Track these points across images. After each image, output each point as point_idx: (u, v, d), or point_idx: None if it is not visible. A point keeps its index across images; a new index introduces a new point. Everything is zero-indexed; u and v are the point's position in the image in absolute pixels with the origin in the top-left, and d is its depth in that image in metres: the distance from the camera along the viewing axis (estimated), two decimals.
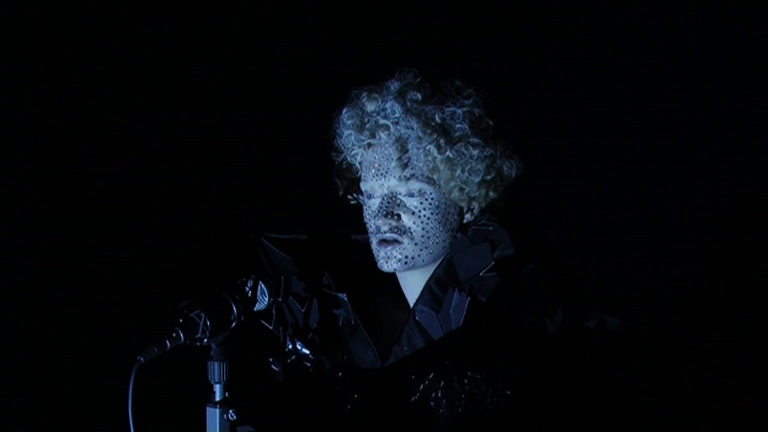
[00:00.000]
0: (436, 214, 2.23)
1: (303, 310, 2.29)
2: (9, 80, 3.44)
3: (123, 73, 3.51)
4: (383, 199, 2.24)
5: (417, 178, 2.22)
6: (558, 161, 3.35)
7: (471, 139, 2.21)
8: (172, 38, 3.51)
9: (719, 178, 3.47)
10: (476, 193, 2.24)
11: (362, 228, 2.31)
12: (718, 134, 3.46)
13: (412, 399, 2.13)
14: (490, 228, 2.22)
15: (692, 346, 3.46)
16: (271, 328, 2.30)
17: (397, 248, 2.22)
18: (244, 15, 3.54)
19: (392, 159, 2.22)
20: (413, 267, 2.24)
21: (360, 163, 2.30)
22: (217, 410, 1.99)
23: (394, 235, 2.22)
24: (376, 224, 2.24)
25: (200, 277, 2.24)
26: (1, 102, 3.44)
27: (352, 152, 2.28)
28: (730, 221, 3.50)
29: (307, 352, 2.28)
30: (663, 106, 3.48)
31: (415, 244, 2.22)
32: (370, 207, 2.27)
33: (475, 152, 2.21)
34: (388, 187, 2.24)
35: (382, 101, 2.24)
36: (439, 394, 2.11)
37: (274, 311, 2.27)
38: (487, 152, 2.22)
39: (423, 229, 2.22)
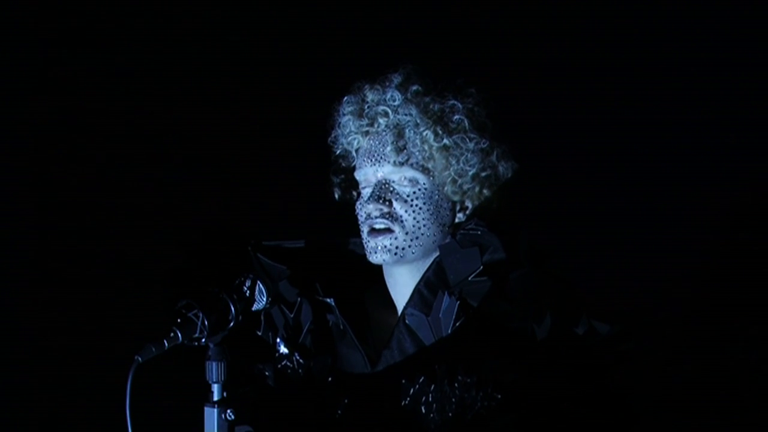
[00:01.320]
0: (429, 204, 2.24)
1: (292, 315, 2.29)
2: (9, 80, 3.45)
3: (119, 74, 3.51)
4: (376, 186, 2.24)
5: (411, 165, 2.23)
6: (552, 163, 3.34)
7: (468, 132, 2.23)
8: (169, 40, 3.52)
9: (716, 177, 3.46)
10: (469, 187, 2.25)
11: (357, 231, 2.31)
12: (714, 133, 3.46)
13: (403, 403, 2.13)
14: (479, 232, 2.23)
15: (688, 349, 3.46)
16: (260, 333, 2.31)
17: (388, 237, 2.22)
18: (242, 16, 3.55)
19: (388, 144, 2.23)
20: (402, 259, 2.23)
21: (356, 151, 2.31)
22: (215, 410, 2.00)
23: (386, 222, 2.22)
24: (366, 210, 2.24)
25: (195, 278, 2.26)
26: (1, 102, 3.45)
27: (350, 138, 2.30)
28: (727, 221, 3.50)
29: (298, 356, 2.28)
30: (658, 107, 3.48)
31: (406, 234, 2.22)
32: (363, 196, 2.27)
33: (471, 144, 2.22)
34: (382, 173, 2.24)
35: (384, 92, 2.26)
36: (430, 398, 2.12)
37: (262, 317, 2.28)
38: (484, 145, 2.23)
39: (414, 219, 2.23)
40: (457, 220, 2.29)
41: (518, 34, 3.48)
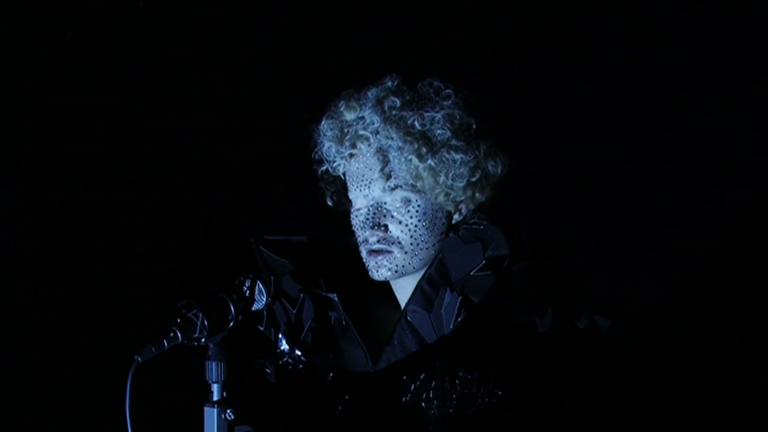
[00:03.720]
0: (424, 221, 2.23)
1: (295, 311, 2.29)
2: (9, 80, 3.45)
3: (120, 73, 3.51)
4: (369, 209, 2.23)
5: (401, 187, 2.21)
6: (546, 158, 3.33)
7: (452, 143, 2.19)
8: (171, 41, 3.52)
9: (716, 176, 3.46)
10: (462, 197, 2.23)
11: None
12: (714, 132, 3.45)
13: (403, 399, 2.13)
14: (481, 227, 2.21)
15: (687, 347, 3.46)
16: (262, 329, 2.30)
17: (387, 258, 2.22)
18: (241, 18, 3.55)
19: (375, 170, 2.21)
20: (404, 275, 2.24)
21: (344, 174, 2.29)
22: (215, 410, 2.00)
23: (383, 246, 2.21)
24: (364, 236, 2.23)
25: (198, 277, 2.25)
26: (1, 102, 3.45)
27: (334, 164, 2.27)
28: (727, 220, 3.50)
29: (299, 353, 2.27)
30: (657, 102, 3.46)
31: (405, 253, 2.22)
32: (357, 217, 2.26)
33: (457, 157, 2.19)
34: (373, 197, 2.23)
35: (360, 110, 2.23)
36: (431, 395, 2.12)
37: (265, 312, 2.26)
38: (470, 155, 2.20)
39: (411, 237, 2.22)
40: (453, 222, 2.28)
41: (503, 25, 3.46)
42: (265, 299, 2.10)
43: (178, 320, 1.96)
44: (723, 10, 3.42)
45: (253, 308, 2.10)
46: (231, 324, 2.03)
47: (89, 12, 3.51)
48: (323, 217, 2.41)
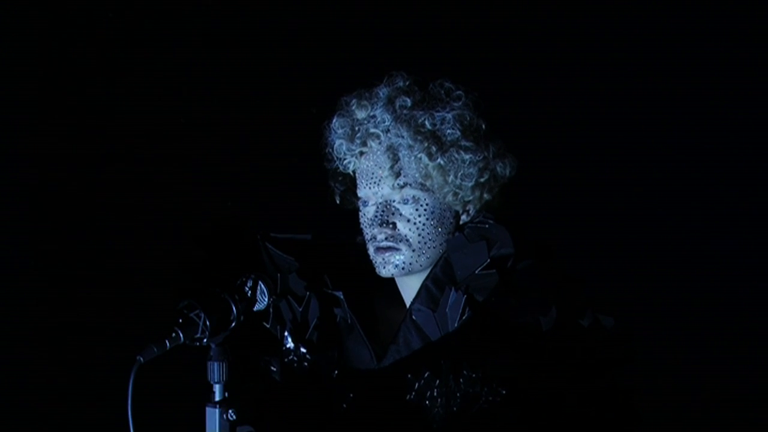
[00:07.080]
0: (432, 219, 2.23)
1: (301, 309, 2.28)
2: (9, 80, 3.45)
3: (122, 73, 3.51)
4: (378, 207, 2.24)
5: (410, 185, 2.22)
6: (554, 160, 3.34)
7: (462, 143, 2.20)
8: (172, 40, 3.52)
9: (717, 176, 3.47)
10: (471, 197, 2.24)
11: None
12: (714, 132, 3.46)
13: (408, 398, 2.13)
14: (487, 226, 2.22)
15: (689, 347, 3.46)
16: (268, 326, 2.30)
17: (395, 254, 2.22)
18: (244, 16, 3.55)
19: (384, 168, 2.22)
20: (411, 272, 2.24)
21: (353, 172, 2.30)
22: (217, 410, 1.99)
23: (391, 243, 2.22)
24: (372, 233, 2.24)
25: (200, 277, 2.25)
26: (2, 101, 3.44)
27: (345, 161, 2.28)
28: (728, 220, 3.51)
29: (305, 351, 2.27)
30: (663, 105, 3.48)
31: (413, 251, 2.22)
32: (365, 215, 2.27)
33: (467, 157, 2.20)
34: (382, 195, 2.24)
35: (372, 108, 2.24)
36: (435, 393, 2.12)
37: (271, 310, 2.26)
38: (479, 156, 2.21)
39: (419, 235, 2.22)
40: (461, 222, 2.29)
41: (512, 29, 3.47)
42: (266, 300, 2.10)
43: (180, 320, 1.96)
44: (724, 10, 3.42)
45: (254, 308, 2.10)
46: (233, 324, 2.03)
47: (90, 11, 3.50)
48: (330, 215, 2.41)
